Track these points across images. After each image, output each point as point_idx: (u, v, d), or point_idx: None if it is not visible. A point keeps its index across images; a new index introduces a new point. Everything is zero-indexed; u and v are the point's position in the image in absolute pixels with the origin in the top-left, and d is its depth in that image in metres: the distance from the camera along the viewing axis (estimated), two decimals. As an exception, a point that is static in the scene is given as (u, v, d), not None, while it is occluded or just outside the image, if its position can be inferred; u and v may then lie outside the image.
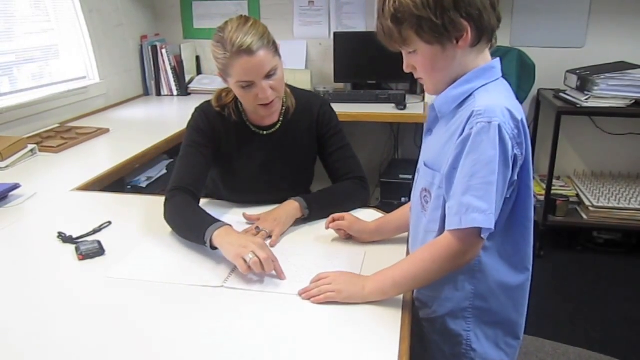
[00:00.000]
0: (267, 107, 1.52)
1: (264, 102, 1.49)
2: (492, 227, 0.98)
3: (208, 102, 1.63)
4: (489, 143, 0.96)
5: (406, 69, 1.10)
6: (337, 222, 1.38)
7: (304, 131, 1.66)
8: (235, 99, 1.60)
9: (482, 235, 1.00)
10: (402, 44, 1.04)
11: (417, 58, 1.05)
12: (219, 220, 1.33)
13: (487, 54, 1.07)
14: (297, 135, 1.65)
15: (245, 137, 1.62)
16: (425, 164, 1.12)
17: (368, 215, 1.55)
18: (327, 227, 1.39)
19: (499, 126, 0.96)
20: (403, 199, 3.00)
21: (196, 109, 1.63)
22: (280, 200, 1.53)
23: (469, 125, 0.99)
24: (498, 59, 1.08)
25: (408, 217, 1.30)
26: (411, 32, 1.00)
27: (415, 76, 1.10)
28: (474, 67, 1.05)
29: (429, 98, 2.97)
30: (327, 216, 1.47)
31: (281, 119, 1.64)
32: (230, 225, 1.32)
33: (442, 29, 0.98)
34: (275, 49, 1.49)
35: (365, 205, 1.62)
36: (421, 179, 1.14)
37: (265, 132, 1.63)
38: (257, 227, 1.41)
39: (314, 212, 1.50)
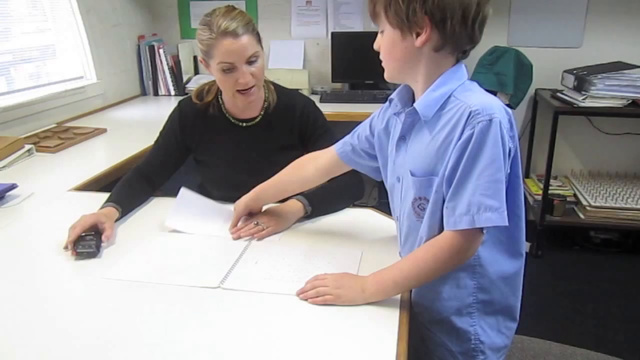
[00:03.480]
0: (246, 95, 1.57)
1: (243, 87, 1.55)
2: (507, 223, 1.00)
3: (189, 97, 1.70)
4: (492, 140, 0.98)
5: (375, 46, 1.12)
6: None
7: (285, 128, 1.69)
8: (217, 94, 1.67)
9: (483, 231, 1.02)
10: (374, 19, 1.07)
11: (383, 39, 1.07)
12: (114, 202, 1.49)
13: (451, 60, 1.07)
14: (276, 131, 1.68)
15: (224, 129, 1.67)
16: (413, 174, 1.10)
17: (365, 215, 1.55)
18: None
19: (500, 122, 0.98)
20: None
21: (178, 103, 1.73)
22: None
23: (469, 125, 0.99)
24: (461, 61, 1.09)
25: (283, 181, 1.44)
26: (381, 9, 1.04)
27: (379, 58, 1.11)
28: (440, 73, 1.06)
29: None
30: (328, 212, 1.53)
31: (262, 112, 1.67)
32: (115, 209, 1.47)
33: (404, 16, 1.00)
34: (258, 38, 1.57)
35: (362, 203, 1.62)
36: (410, 188, 1.12)
37: (245, 124, 1.67)
38: (257, 223, 1.42)
39: (315, 209, 1.51)
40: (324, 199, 1.55)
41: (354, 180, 1.62)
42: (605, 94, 2.74)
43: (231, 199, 1.60)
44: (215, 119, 1.68)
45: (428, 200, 1.08)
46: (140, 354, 0.96)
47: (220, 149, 1.69)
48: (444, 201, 1.05)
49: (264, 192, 1.46)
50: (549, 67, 3.12)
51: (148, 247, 1.37)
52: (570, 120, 3.18)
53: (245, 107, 1.66)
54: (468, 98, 1.03)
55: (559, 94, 2.97)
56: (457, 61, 1.07)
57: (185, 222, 1.46)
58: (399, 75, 1.11)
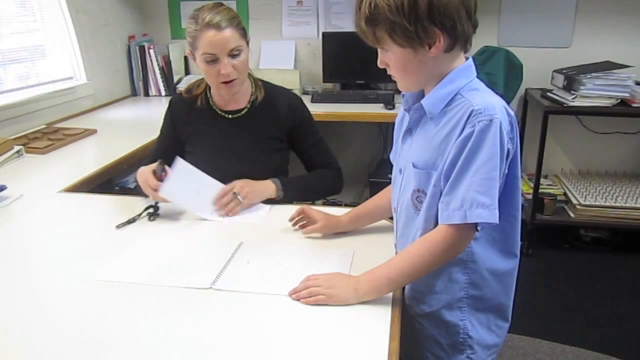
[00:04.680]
0: (228, 87, 1.63)
1: (225, 79, 1.60)
2: (497, 220, 1.01)
3: (180, 93, 1.79)
4: (491, 140, 0.99)
5: (380, 65, 1.12)
6: (311, 227, 1.40)
7: (270, 120, 1.73)
8: (205, 88, 1.74)
9: (478, 228, 1.04)
10: (375, 43, 1.07)
11: (390, 57, 1.07)
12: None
13: (461, 56, 1.09)
14: (262, 122, 1.72)
15: (211, 121, 1.73)
16: (414, 166, 1.12)
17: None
18: (293, 219, 1.45)
19: (500, 123, 1.00)
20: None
21: (169, 100, 1.82)
22: None
23: (470, 123, 1.01)
24: (471, 58, 1.11)
25: (382, 205, 1.38)
26: (385, 34, 1.03)
27: (388, 72, 1.12)
28: (450, 69, 1.07)
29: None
30: (299, 200, 1.59)
31: (248, 105, 1.72)
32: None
33: (415, 35, 1.00)
34: (243, 33, 1.62)
35: (353, 202, 1.63)
36: (410, 180, 1.14)
37: (231, 116, 1.73)
38: (234, 193, 1.53)
39: (288, 194, 1.62)
40: (298, 187, 1.64)
41: (333, 176, 1.70)
42: (594, 93, 2.76)
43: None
44: (203, 112, 1.74)
45: (426, 194, 1.10)
46: (132, 355, 0.96)
47: (207, 140, 1.75)
48: (441, 195, 1.06)
49: (361, 216, 1.42)
50: (538, 67, 3.14)
51: (139, 248, 1.36)
52: (560, 120, 3.20)
53: (230, 99, 1.71)
54: (473, 97, 1.04)
55: (548, 94, 2.98)
56: (466, 52, 1.08)
57: (179, 194, 1.50)
58: (417, 86, 1.12)
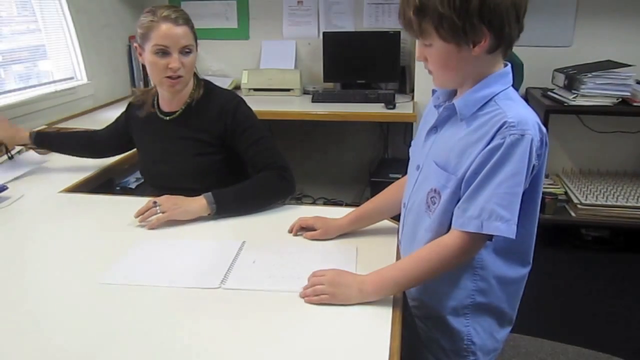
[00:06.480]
0: (172, 83, 1.62)
1: (172, 72, 1.60)
2: (514, 236, 1.00)
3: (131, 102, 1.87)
4: (520, 155, 0.98)
5: (418, 58, 1.10)
6: (311, 233, 1.39)
7: (200, 125, 1.69)
8: (155, 93, 1.75)
9: (492, 239, 1.04)
10: (419, 35, 1.04)
11: (431, 51, 1.05)
12: (36, 131, 1.95)
13: (500, 60, 1.08)
14: (192, 125, 1.70)
15: (151, 122, 1.75)
16: (436, 164, 1.10)
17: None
18: (294, 234, 1.42)
19: (532, 140, 0.99)
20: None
21: (127, 104, 1.91)
22: (183, 194, 1.53)
23: (500, 135, 0.99)
24: (509, 65, 1.09)
25: (381, 207, 1.37)
26: (431, 27, 1.01)
27: (425, 67, 1.10)
28: (489, 72, 1.06)
29: (418, 97, 2.98)
30: (242, 212, 1.52)
31: (182, 107, 1.71)
32: (28, 135, 1.95)
33: (461, 31, 0.98)
34: (195, 36, 1.67)
35: (354, 202, 1.62)
36: (430, 178, 1.12)
37: (167, 118, 1.73)
38: (155, 202, 1.47)
39: (222, 208, 1.50)
40: (234, 199, 1.53)
41: (273, 176, 1.58)
42: (595, 92, 2.75)
43: (155, 188, 1.72)
44: (149, 113, 1.76)
45: (441, 196, 1.09)
46: (145, 356, 0.96)
47: (144, 141, 1.80)
48: (458, 201, 1.05)
49: (361, 218, 1.41)
50: (539, 66, 3.14)
51: (144, 249, 1.36)
52: (561, 119, 3.19)
53: (171, 99, 1.71)
54: (508, 107, 1.02)
55: (549, 93, 2.98)
56: (505, 56, 1.07)
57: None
58: (453, 84, 1.11)
